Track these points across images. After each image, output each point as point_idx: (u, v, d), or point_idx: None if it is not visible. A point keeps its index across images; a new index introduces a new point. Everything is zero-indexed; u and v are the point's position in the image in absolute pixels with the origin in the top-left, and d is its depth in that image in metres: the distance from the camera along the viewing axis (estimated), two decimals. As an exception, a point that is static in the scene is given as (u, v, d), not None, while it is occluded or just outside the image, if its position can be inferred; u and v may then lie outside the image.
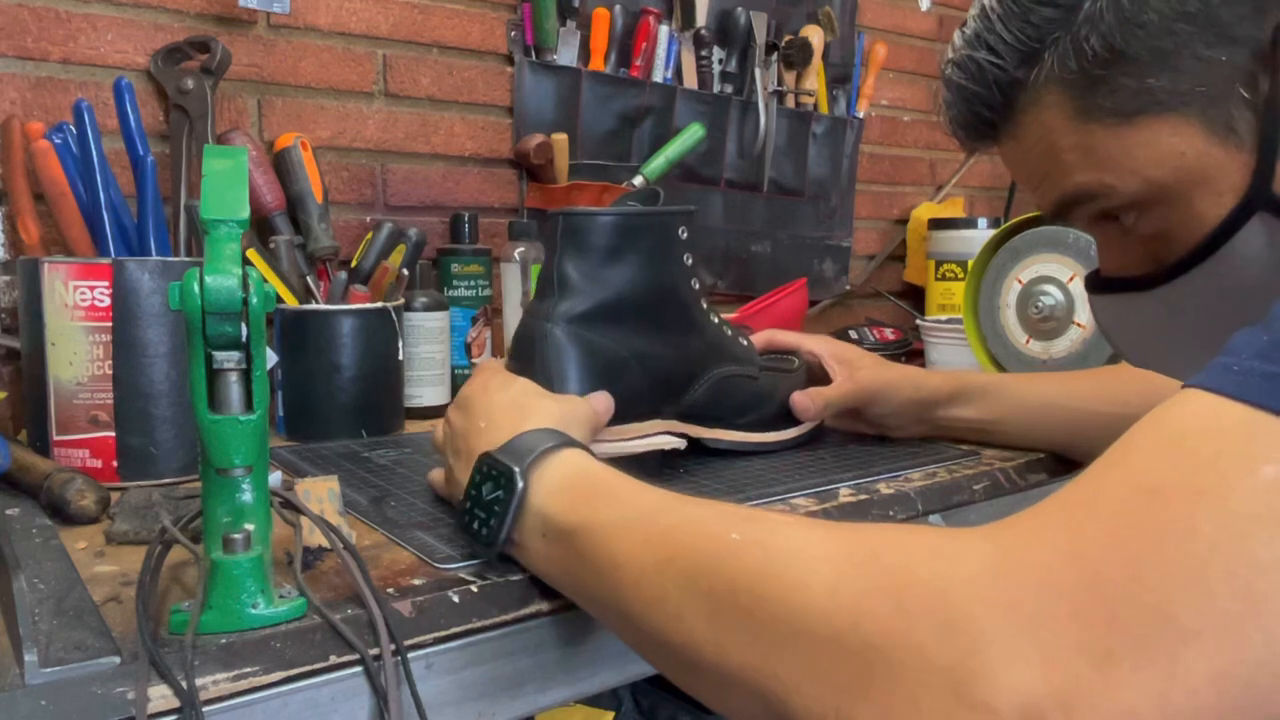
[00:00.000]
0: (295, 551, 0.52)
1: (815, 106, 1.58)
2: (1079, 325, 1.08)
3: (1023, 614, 0.32)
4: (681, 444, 0.75)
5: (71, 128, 0.84)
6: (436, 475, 0.69)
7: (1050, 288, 1.10)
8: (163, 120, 1.04)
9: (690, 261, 0.75)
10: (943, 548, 0.36)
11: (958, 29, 0.57)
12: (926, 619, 0.33)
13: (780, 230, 1.58)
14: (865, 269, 1.74)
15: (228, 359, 0.47)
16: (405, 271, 1.00)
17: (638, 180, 1.34)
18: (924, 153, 1.82)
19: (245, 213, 0.49)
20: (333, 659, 0.47)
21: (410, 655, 0.49)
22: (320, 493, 0.58)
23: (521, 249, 1.16)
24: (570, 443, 0.55)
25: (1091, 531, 0.34)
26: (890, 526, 0.40)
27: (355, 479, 0.75)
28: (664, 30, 1.38)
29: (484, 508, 0.54)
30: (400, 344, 0.96)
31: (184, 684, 0.42)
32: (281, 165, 1.06)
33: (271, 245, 0.99)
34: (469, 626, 0.51)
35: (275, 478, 0.65)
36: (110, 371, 0.73)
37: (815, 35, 1.52)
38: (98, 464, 0.74)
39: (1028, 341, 1.12)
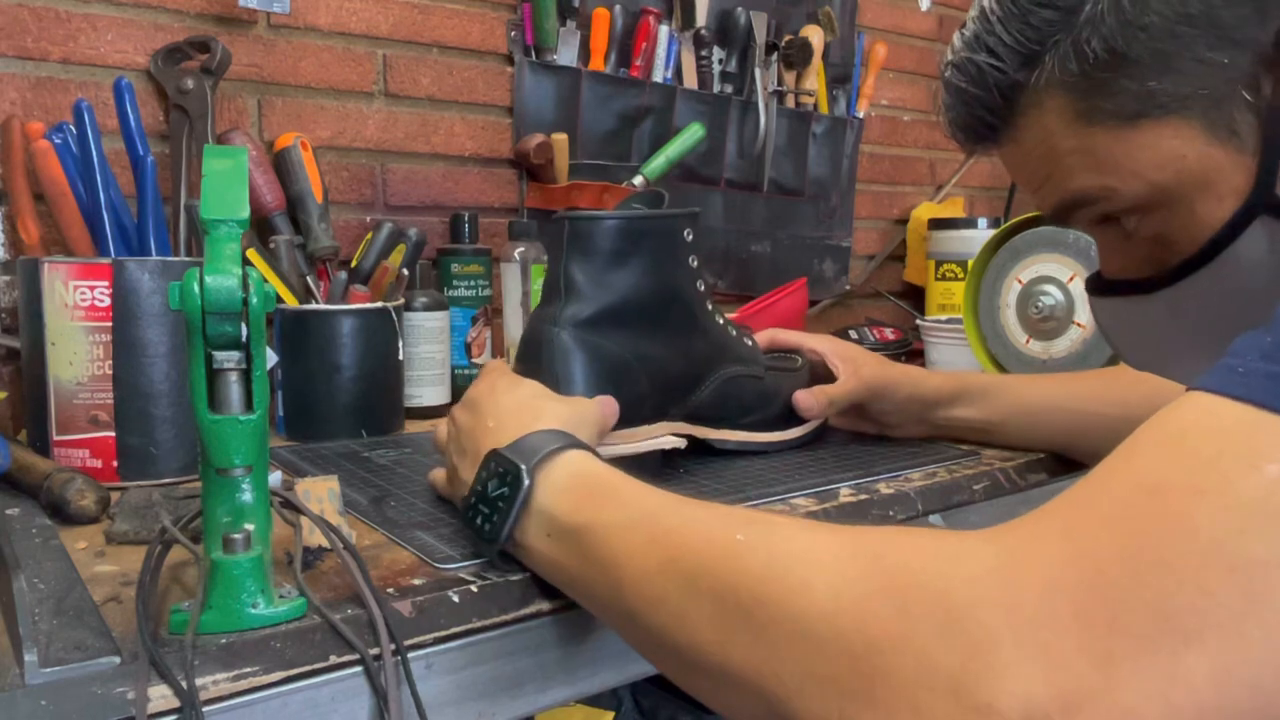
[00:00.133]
0: (295, 551, 0.52)
1: (815, 106, 1.58)
2: (1079, 325, 1.08)
3: (1025, 616, 0.32)
4: (682, 443, 0.75)
5: (71, 128, 0.84)
6: (438, 475, 0.69)
7: (1050, 288, 1.10)
8: (163, 120, 1.04)
9: (695, 263, 0.75)
10: (945, 549, 0.36)
11: (957, 31, 0.56)
12: (929, 621, 0.33)
13: (780, 230, 1.58)
14: (865, 269, 1.74)
15: (228, 359, 0.47)
16: (405, 271, 1.00)
17: (638, 180, 1.34)
18: (924, 153, 1.82)
19: (245, 213, 0.49)
20: (333, 659, 0.47)
21: (410, 655, 0.49)
22: (320, 493, 0.58)
23: (521, 249, 1.16)
24: (577, 444, 0.55)
25: (1093, 532, 0.34)
26: (893, 529, 0.40)
27: (355, 479, 0.75)
28: (664, 30, 1.38)
29: (489, 504, 0.54)
30: (400, 344, 0.96)
31: (184, 684, 0.42)
32: (281, 165, 1.06)
33: (271, 245, 0.99)
34: (469, 626, 0.51)
35: (275, 478, 0.65)
36: (110, 371, 0.73)
37: (815, 35, 1.52)
38: (98, 464, 0.74)
39: (1028, 341, 1.12)
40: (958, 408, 0.86)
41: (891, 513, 0.72)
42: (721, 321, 0.80)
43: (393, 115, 1.19)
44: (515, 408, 0.61)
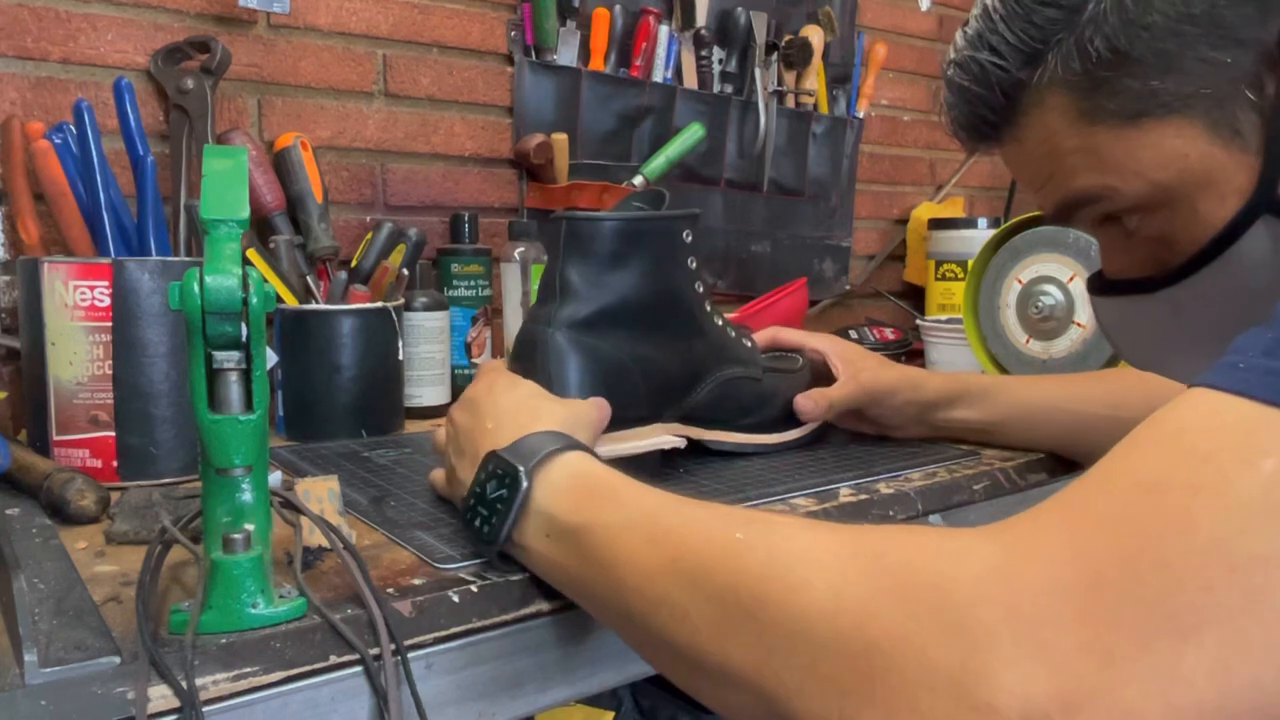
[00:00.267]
0: (295, 551, 0.52)
1: (815, 106, 1.58)
2: (1079, 325, 1.08)
3: (1025, 615, 0.32)
4: (681, 443, 0.75)
5: (71, 128, 0.84)
6: (438, 475, 0.69)
7: (1050, 288, 1.10)
8: (163, 120, 1.04)
9: (694, 265, 0.75)
10: (946, 548, 0.36)
11: (960, 29, 0.56)
12: (929, 621, 0.33)
13: (780, 230, 1.58)
14: (865, 269, 1.74)
15: (228, 359, 0.47)
16: (405, 271, 1.00)
17: (638, 180, 1.34)
18: (924, 153, 1.82)
19: (245, 213, 0.49)
20: (333, 659, 0.47)
21: (410, 655, 0.49)
22: (320, 493, 0.58)
23: (521, 249, 1.16)
24: (575, 445, 0.55)
25: (1092, 530, 0.34)
26: (893, 527, 0.40)
27: (355, 479, 0.75)
28: (664, 30, 1.38)
29: (487, 505, 0.54)
30: (400, 344, 0.96)
31: (184, 684, 0.42)
32: (281, 165, 1.06)
33: (271, 245, 0.99)
34: (469, 626, 0.51)
35: (275, 478, 0.65)
36: (110, 371, 0.73)
37: (815, 35, 1.52)
38: (98, 464, 0.74)
39: (1028, 341, 1.12)
40: (958, 409, 0.86)
41: (891, 513, 0.72)
42: (720, 322, 0.80)
43: (393, 115, 1.19)
44: (513, 408, 0.61)
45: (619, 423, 0.68)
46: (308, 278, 0.99)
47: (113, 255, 0.81)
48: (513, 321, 1.15)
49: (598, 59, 1.33)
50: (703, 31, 1.42)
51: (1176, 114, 0.50)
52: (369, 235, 1.00)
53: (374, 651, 0.47)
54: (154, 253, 0.84)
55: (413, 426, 0.98)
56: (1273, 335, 0.37)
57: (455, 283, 1.13)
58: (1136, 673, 0.31)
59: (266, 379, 0.48)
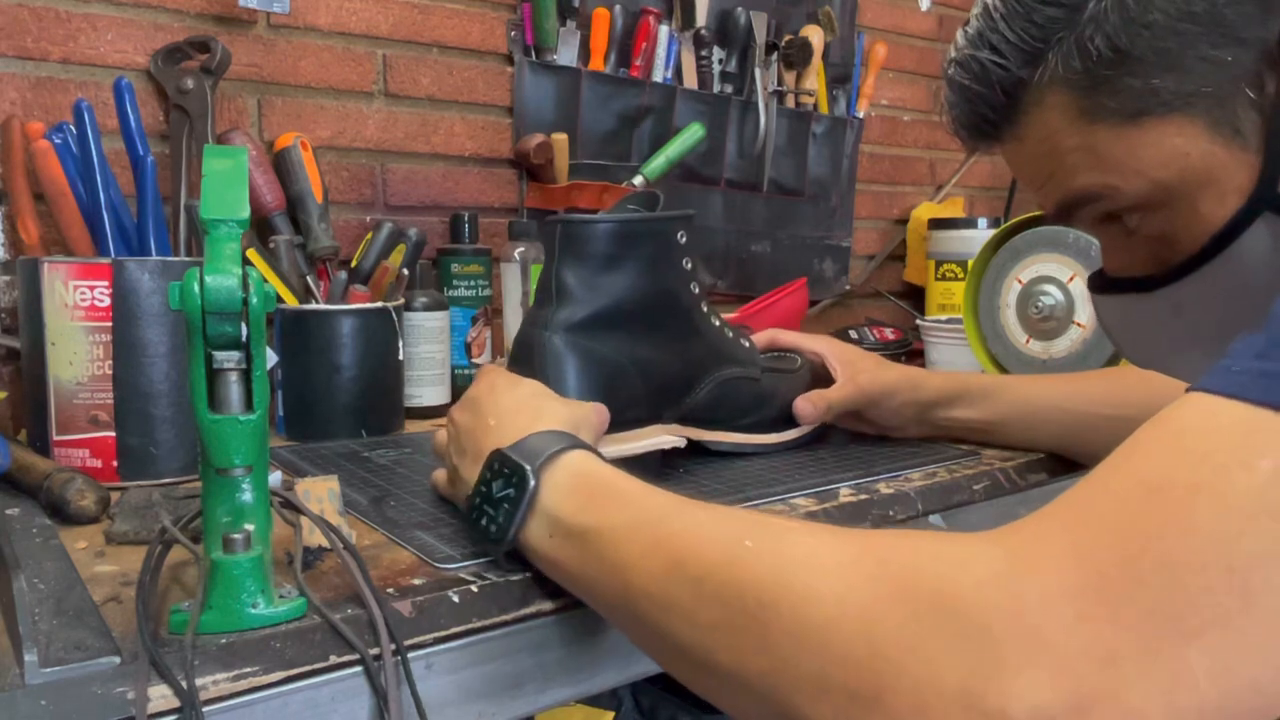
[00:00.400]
0: (295, 551, 0.52)
1: (815, 106, 1.58)
2: (1079, 325, 1.08)
3: (1030, 620, 0.32)
4: (681, 443, 0.75)
5: (71, 128, 0.84)
6: (439, 476, 0.69)
7: (1050, 288, 1.10)
8: (163, 120, 1.04)
9: (690, 265, 0.75)
10: (951, 554, 0.36)
11: (961, 28, 0.56)
12: (936, 628, 0.33)
13: (780, 230, 1.58)
14: (865, 269, 1.74)
15: (228, 359, 0.47)
16: (405, 271, 1.00)
17: (638, 180, 1.34)
18: (924, 153, 1.82)
19: (245, 213, 0.49)
20: (333, 659, 0.47)
21: (410, 655, 0.49)
22: (320, 493, 0.58)
23: (521, 249, 1.16)
24: (580, 444, 0.55)
25: (1094, 533, 0.34)
26: (899, 533, 0.40)
27: (355, 479, 0.75)
28: (664, 30, 1.38)
29: (493, 505, 0.54)
30: (400, 344, 0.96)
31: (184, 684, 0.42)
32: (281, 165, 1.06)
33: (271, 245, 0.99)
34: (469, 626, 0.51)
35: (275, 478, 0.65)
36: (110, 371, 0.73)
37: (815, 35, 1.52)
38: (98, 464, 0.74)
39: (1028, 341, 1.12)
40: (958, 408, 0.86)
41: (891, 513, 0.72)
42: (718, 323, 0.80)
43: (393, 115, 1.19)
44: (516, 407, 0.60)
45: (618, 424, 0.68)
46: (308, 278, 0.99)
47: (113, 255, 0.81)
48: (513, 321, 1.15)
49: (598, 59, 1.33)
50: (703, 31, 1.42)
51: (1177, 112, 0.50)
52: (369, 235, 1.00)
53: (374, 651, 0.47)
54: (154, 253, 0.84)
55: (413, 426, 0.98)
56: (1266, 338, 0.37)
57: (455, 283, 1.13)
58: (1140, 674, 0.31)
59: (266, 379, 0.48)
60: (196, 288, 0.46)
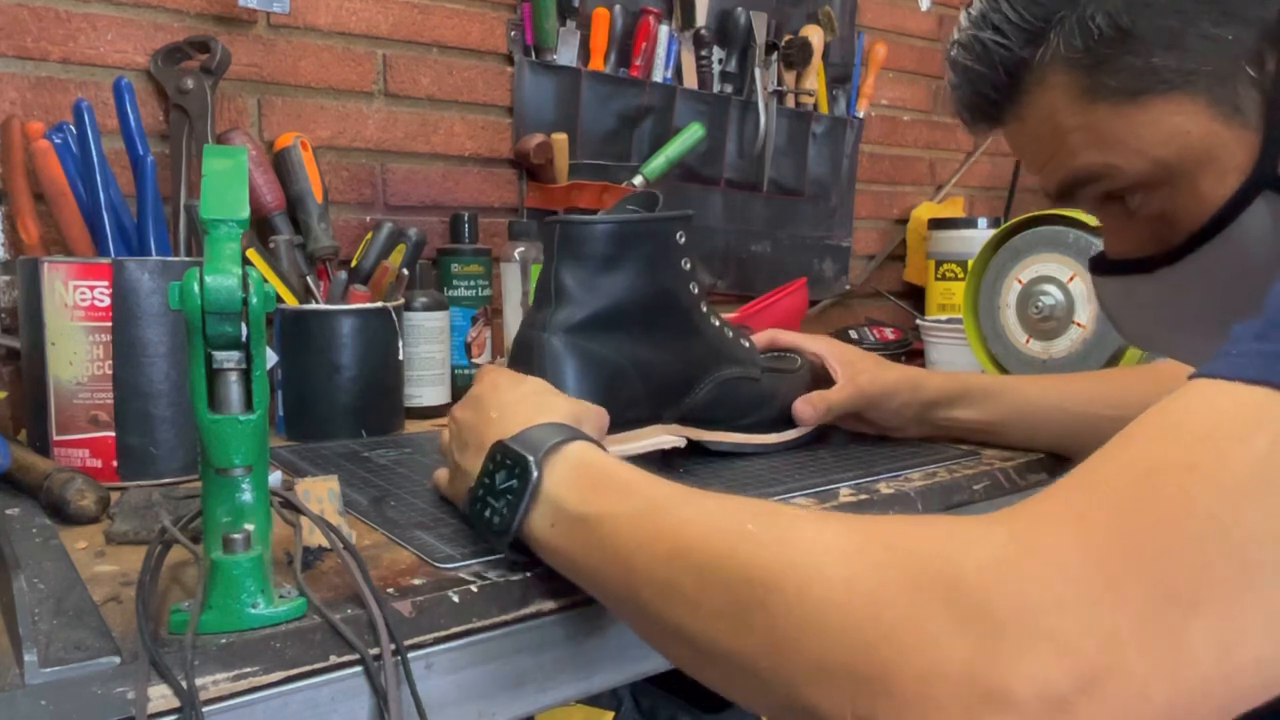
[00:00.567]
0: (295, 551, 0.52)
1: (815, 106, 1.58)
2: (1079, 325, 1.08)
3: (1033, 600, 0.32)
4: (681, 443, 0.75)
5: (71, 128, 0.84)
6: (441, 475, 0.69)
7: (1050, 288, 1.10)
8: (163, 120, 1.04)
9: (689, 266, 0.75)
10: (955, 536, 0.36)
11: (964, 9, 0.57)
12: (941, 609, 0.33)
13: (780, 230, 1.58)
14: (865, 269, 1.74)
15: (228, 359, 0.47)
16: (405, 271, 1.00)
17: (638, 180, 1.34)
18: (924, 153, 1.82)
19: (245, 213, 0.49)
20: (333, 659, 0.47)
21: (410, 655, 0.49)
22: (320, 493, 0.58)
23: (521, 249, 1.16)
24: (582, 436, 0.55)
25: (1095, 513, 0.34)
26: (903, 517, 0.40)
27: (355, 479, 0.75)
28: (664, 30, 1.38)
29: (496, 496, 0.54)
30: (400, 344, 0.96)
31: (184, 684, 0.42)
32: (281, 165, 1.06)
33: (271, 245, 0.99)
34: (469, 626, 0.51)
35: (275, 478, 0.65)
36: (110, 371, 0.73)
37: (815, 35, 1.52)
38: (98, 464, 0.74)
39: (1028, 341, 1.12)
40: (958, 409, 0.86)
41: (891, 513, 0.72)
42: (717, 323, 0.80)
43: (393, 115, 1.19)
44: (518, 401, 0.61)
45: (618, 424, 0.68)
46: (308, 278, 0.99)
47: (113, 255, 0.81)
48: (513, 321, 1.15)
49: (598, 59, 1.33)
50: (703, 31, 1.42)
51: (1178, 91, 0.50)
52: (369, 235, 1.00)
53: (374, 651, 0.47)
54: (154, 253, 0.84)
55: (413, 426, 0.98)
56: (1264, 321, 0.38)
57: (455, 283, 1.13)
58: (1142, 652, 0.31)
59: (266, 379, 0.48)
60: (196, 288, 0.46)
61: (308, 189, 1.05)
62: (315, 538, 0.55)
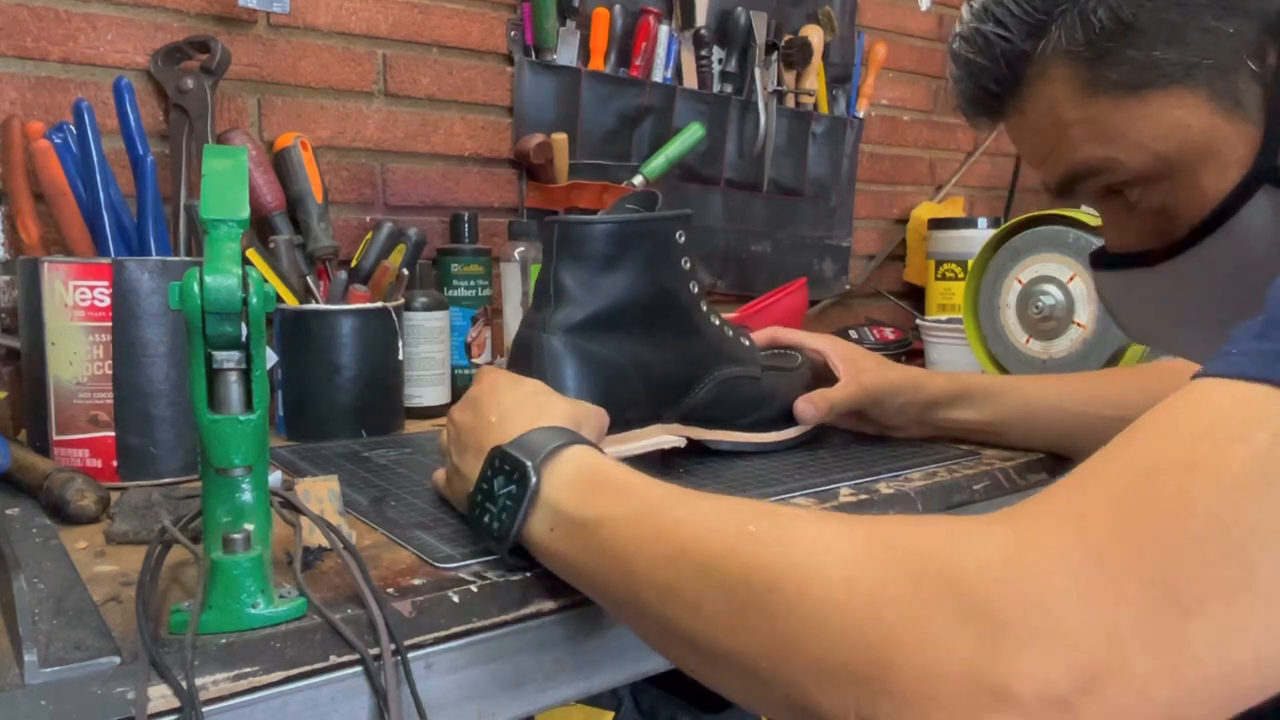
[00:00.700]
0: (295, 551, 0.52)
1: (815, 106, 1.58)
2: (1079, 325, 1.08)
3: (1035, 598, 0.33)
4: (681, 442, 0.75)
5: (71, 128, 0.84)
6: (440, 475, 0.69)
7: (1050, 287, 1.10)
8: (163, 120, 1.04)
9: (689, 265, 0.75)
10: (956, 535, 0.36)
11: (966, 3, 0.57)
12: (942, 608, 0.33)
13: (780, 230, 1.58)
14: (865, 269, 1.74)
15: (228, 359, 0.47)
16: (405, 271, 1.00)
17: (637, 180, 1.34)
18: (924, 152, 1.82)
19: (245, 213, 0.49)
20: (333, 659, 0.47)
21: (410, 655, 0.49)
22: (320, 493, 0.58)
23: (521, 249, 1.16)
24: (581, 439, 0.55)
25: (1096, 511, 0.34)
26: (904, 517, 0.40)
27: (355, 479, 0.75)
28: (664, 30, 1.38)
29: (495, 501, 0.54)
30: (400, 344, 0.96)
31: (184, 684, 0.42)
32: (281, 165, 1.06)
33: (271, 245, 0.99)
34: (469, 626, 0.51)
35: (275, 478, 0.65)
36: (110, 371, 0.73)
37: (815, 35, 1.52)
38: (98, 464, 0.74)
39: (1028, 341, 1.12)
40: (959, 409, 0.86)
41: (891, 513, 0.72)
42: (717, 322, 0.80)
43: (393, 115, 1.19)
44: (517, 404, 0.60)
45: (618, 424, 0.68)
46: (308, 278, 0.99)
47: (113, 255, 0.81)
48: (513, 321, 1.15)
49: (597, 59, 1.33)
50: (703, 31, 1.42)
51: (1179, 84, 0.50)
52: (369, 235, 1.00)
53: (374, 651, 0.47)
54: (154, 253, 0.84)
55: (413, 426, 0.98)
56: (1264, 319, 0.38)
57: (455, 283, 1.13)
58: (1143, 650, 0.31)
59: (266, 379, 0.48)
60: (196, 288, 0.46)
61: (308, 189, 1.05)
62: (315, 538, 0.55)
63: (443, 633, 0.51)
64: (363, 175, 1.18)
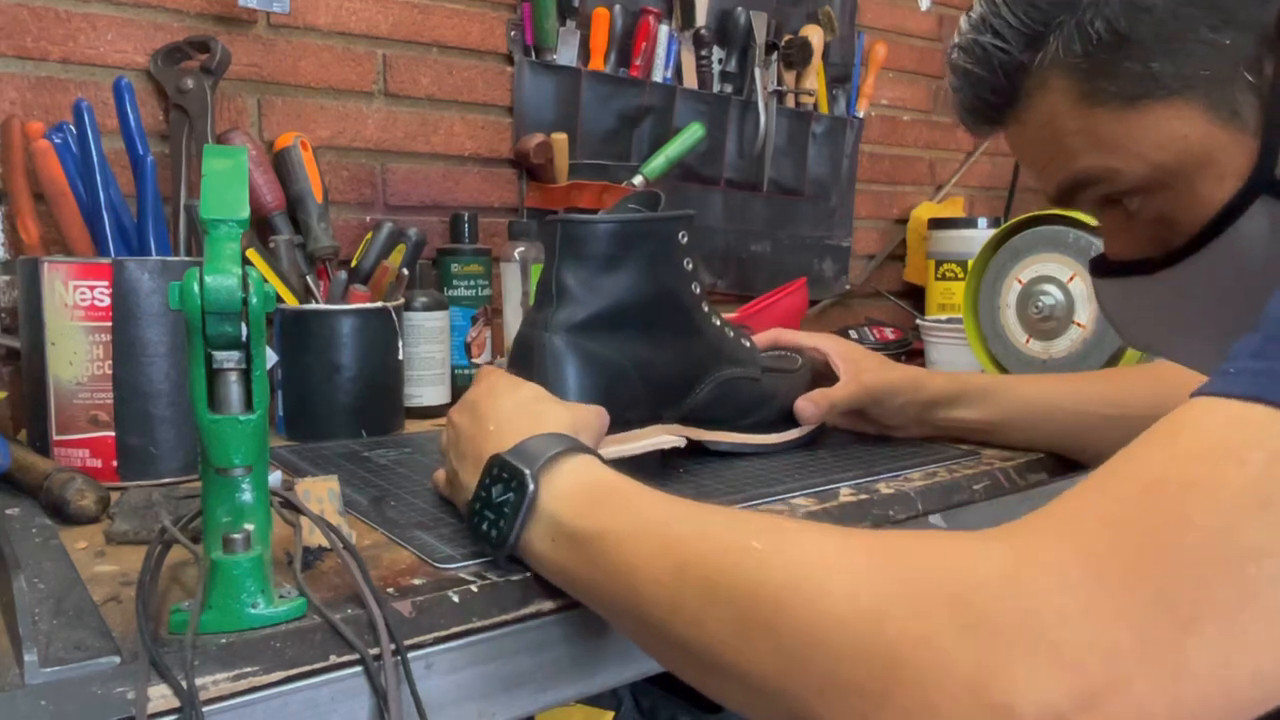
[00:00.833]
0: (295, 551, 0.52)
1: (815, 106, 1.58)
2: (1079, 325, 1.08)
3: (1036, 616, 0.33)
4: (681, 443, 0.74)
5: (71, 128, 0.84)
6: (441, 475, 0.69)
7: (1050, 287, 1.10)
8: (163, 120, 1.04)
9: (691, 266, 0.75)
10: (959, 552, 0.36)
11: (964, 14, 0.57)
12: (945, 624, 0.34)
13: (780, 230, 1.58)
14: (865, 269, 1.74)
15: (228, 359, 0.47)
16: (405, 271, 1.00)
17: (638, 180, 1.34)
18: (924, 152, 1.82)
19: (245, 212, 0.49)
20: (333, 659, 0.47)
21: (410, 655, 0.49)
22: (320, 493, 0.58)
23: (521, 249, 1.16)
24: (580, 448, 0.55)
25: (1095, 530, 0.35)
26: (907, 533, 0.40)
27: (355, 479, 0.75)
28: (664, 30, 1.38)
29: (493, 509, 0.54)
30: (400, 344, 0.96)
31: (184, 684, 0.42)
32: (281, 165, 1.06)
33: (271, 245, 0.99)
34: (469, 626, 0.51)
35: (275, 478, 0.65)
36: (110, 371, 0.73)
37: (815, 35, 1.52)
38: (98, 464, 0.74)
39: (1028, 341, 1.12)
40: (959, 409, 0.86)
41: (891, 513, 0.72)
42: (718, 323, 0.80)
43: (392, 115, 1.19)
44: (516, 411, 0.60)
45: (618, 424, 0.68)
46: (308, 278, 0.99)
47: (113, 255, 0.81)
48: (513, 321, 1.15)
49: (597, 59, 1.33)
50: (703, 31, 1.42)
51: (1176, 96, 0.51)
52: (369, 235, 1.00)
53: (374, 651, 0.47)
54: (154, 253, 0.84)
55: (413, 426, 0.98)
56: (1261, 337, 0.38)
57: (455, 283, 1.13)
58: (1142, 669, 0.31)
59: (266, 379, 0.48)
60: (196, 288, 0.46)
61: (308, 189, 1.05)
62: (315, 538, 0.55)
63: (443, 633, 0.51)
64: (363, 175, 1.18)
